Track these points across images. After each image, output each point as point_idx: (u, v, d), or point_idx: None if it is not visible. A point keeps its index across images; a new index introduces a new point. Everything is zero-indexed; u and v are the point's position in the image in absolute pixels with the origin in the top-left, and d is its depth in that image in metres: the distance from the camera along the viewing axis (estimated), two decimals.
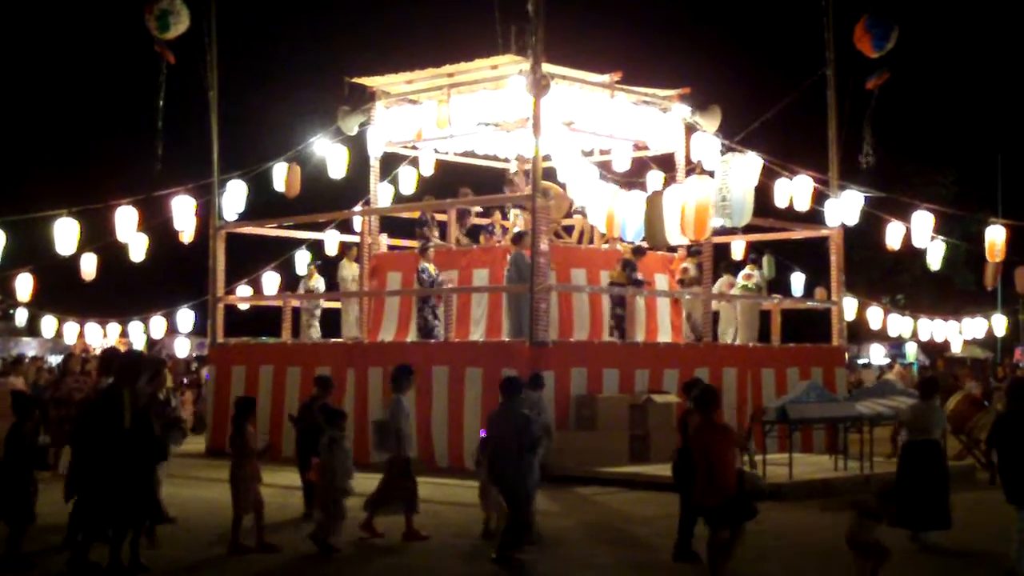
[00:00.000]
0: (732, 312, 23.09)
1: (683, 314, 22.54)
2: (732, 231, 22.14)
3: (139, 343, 28.80)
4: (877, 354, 41.15)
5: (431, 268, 20.61)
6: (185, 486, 16.39)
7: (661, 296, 21.99)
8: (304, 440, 14.13)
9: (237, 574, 11.39)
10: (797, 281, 26.91)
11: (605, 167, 22.55)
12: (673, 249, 22.28)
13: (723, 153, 20.76)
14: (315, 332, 23.61)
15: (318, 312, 23.83)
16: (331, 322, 24.71)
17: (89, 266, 25.16)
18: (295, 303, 23.62)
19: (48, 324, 29.28)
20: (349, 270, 23.52)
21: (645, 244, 19.99)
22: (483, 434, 12.51)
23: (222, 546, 12.23)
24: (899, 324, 29.28)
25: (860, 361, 39.57)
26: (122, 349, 23.28)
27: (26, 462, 11.32)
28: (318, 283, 24.27)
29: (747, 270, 23.34)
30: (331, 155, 23.41)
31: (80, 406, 14.08)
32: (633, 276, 20.69)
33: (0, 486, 11.26)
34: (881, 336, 34.36)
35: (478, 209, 23.41)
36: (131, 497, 10.85)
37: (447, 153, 24.08)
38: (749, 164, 18.56)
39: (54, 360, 40.37)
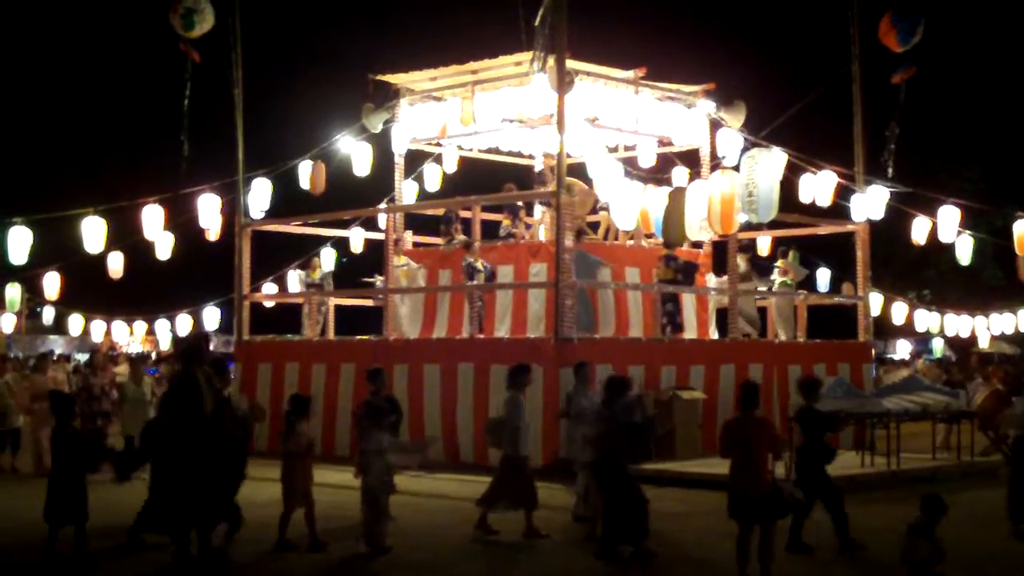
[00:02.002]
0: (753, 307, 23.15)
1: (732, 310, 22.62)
2: (757, 227, 22.09)
3: (165, 341, 28.89)
4: (903, 350, 40.98)
5: (479, 263, 20.60)
6: None
7: (687, 292, 21.93)
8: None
9: (285, 573, 11.36)
10: (823, 277, 26.83)
11: (630, 163, 22.55)
12: (697, 245, 22.27)
13: (747, 149, 20.72)
14: (318, 329, 23.39)
15: (324, 309, 23.61)
16: (349, 320, 24.75)
17: (116, 264, 25.28)
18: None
19: (75, 322, 29.48)
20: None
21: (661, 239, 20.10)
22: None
23: (267, 545, 12.17)
24: (926, 319, 29.14)
25: (894, 357, 39.38)
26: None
27: (76, 462, 11.22)
28: (323, 277, 24.24)
29: (782, 265, 23.27)
30: (356, 152, 23.46)
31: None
32: (679, 267, 20.75)
33: (52, 487, 11.20)
34: (908, 331, 34.20)
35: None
36: (220, 488, 10.60)
37: (471, 150, 24.14)
38: (774, 159, 18.51)
39: (81, 358, 40.63)
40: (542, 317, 20.05)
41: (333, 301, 23.62)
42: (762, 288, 23.13)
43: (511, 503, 12.87)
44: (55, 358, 30.85)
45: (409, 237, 23.89)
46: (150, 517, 11.57)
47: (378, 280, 23.32)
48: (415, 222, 24.70)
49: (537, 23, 18.77)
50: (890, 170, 22.74)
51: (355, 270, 25.39)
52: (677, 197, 18.91)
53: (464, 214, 23.48)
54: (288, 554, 11.84)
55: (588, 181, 21.20)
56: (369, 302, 24.37)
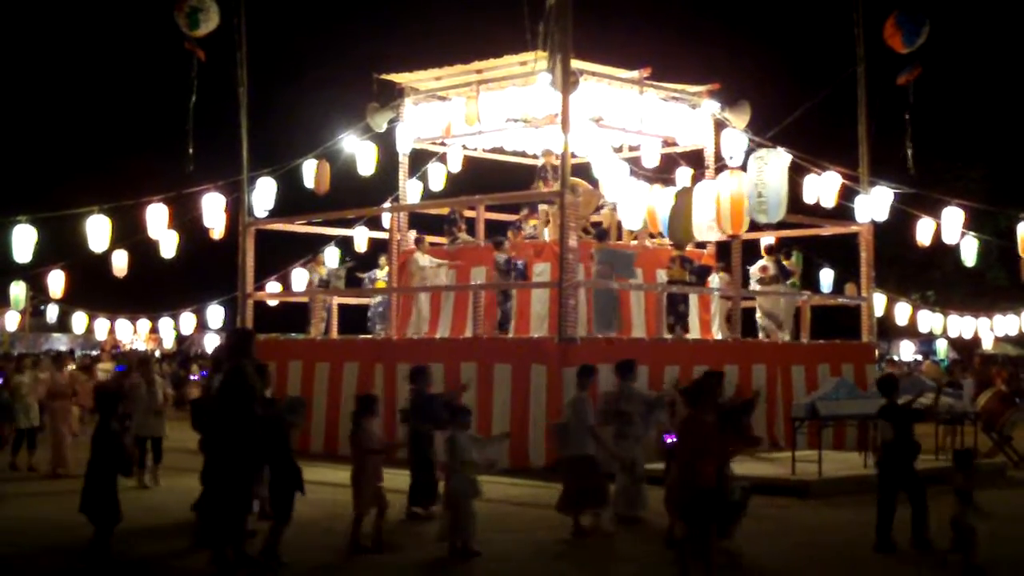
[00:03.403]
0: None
1: (757, 311, 22.64)
2: (761, 228, 22.07)
3: (169, 340, 28.87)
4: (907, 351, 40.90)
5: (503, 259, 20.51)
6: None
7: (698, 293, 21.92)
8: (415, 436, 13.80)
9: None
10: (827, 277, 26.82)
11: (634, 163, 22.54)
12: (702, 245, 22.25)
13: (752, 149, 20.70)
14: (322, 327, 23.33)
15: (327, 306, 23.54)
16: (352, 319, 24.77)
17: (120, 263, 25.31)
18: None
19: (79, 320, 29.50)
20: (421, 262, 23.06)
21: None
22: (668, 439, 12.24)
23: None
24: (930, 320, 29.10)
25: (896, 358, 39.33)
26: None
27: (113, 461, 11.13)
28: (331, 275, 24.16)
29: (789, 265, 23.26)
30: (360, 152, 23.48)
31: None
32: (694, 269, 20.74)
33: (88, 485, 11.09)
34: (912, 332, 34.16)
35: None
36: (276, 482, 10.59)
37: (475, 149, 24.15)
38: (782, 159, 18.50)
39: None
40: (545, 317, 20.04)
41: (337, 300, 23.63)
42: (783, 289, 23.04)
43: (583, 504, 12.75)
44: (56, 356, 30.83)
45: (412, 236, 23.87)
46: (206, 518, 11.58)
47: (367, 278, 23.34)
48: (419, 221, 24.70)
49: (540, 27, 18.76)
50: (910, 162, 22.72)
51: (360, 269, 25.39)
52: (684, 197, 18.90)
53: (468, 213, 23.46)
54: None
55: (592, 181, 21.19)
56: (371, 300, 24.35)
